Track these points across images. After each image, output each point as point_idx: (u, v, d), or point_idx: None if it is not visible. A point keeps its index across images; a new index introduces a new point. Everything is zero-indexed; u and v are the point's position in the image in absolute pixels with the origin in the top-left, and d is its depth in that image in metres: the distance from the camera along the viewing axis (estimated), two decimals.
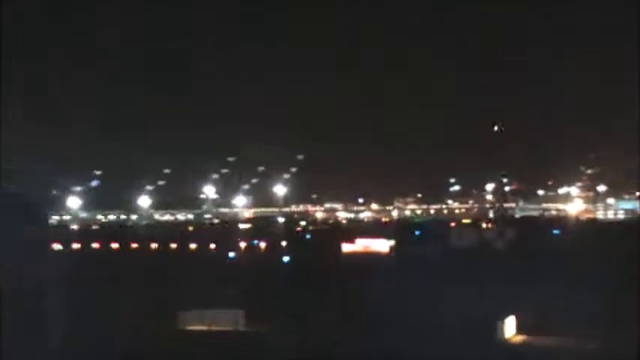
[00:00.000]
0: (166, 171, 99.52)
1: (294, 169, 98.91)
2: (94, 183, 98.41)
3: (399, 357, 32.05)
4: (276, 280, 52.31)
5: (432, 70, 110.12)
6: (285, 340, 33.84)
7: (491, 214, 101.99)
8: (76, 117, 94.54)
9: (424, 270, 49.47)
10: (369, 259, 63.07)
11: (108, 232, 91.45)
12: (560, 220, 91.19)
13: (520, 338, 39.28)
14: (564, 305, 38.95)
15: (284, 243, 72.56)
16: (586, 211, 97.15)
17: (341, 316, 40.12)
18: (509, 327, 39.45)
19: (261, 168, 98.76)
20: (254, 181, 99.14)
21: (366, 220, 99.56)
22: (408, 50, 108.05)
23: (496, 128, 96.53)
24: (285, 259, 66.82)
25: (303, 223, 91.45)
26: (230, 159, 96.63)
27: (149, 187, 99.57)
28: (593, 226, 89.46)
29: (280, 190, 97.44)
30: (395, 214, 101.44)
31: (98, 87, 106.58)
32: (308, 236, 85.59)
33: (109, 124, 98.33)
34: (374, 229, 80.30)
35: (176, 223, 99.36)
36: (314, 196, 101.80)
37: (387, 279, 48.02)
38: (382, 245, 68.05)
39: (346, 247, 65.94)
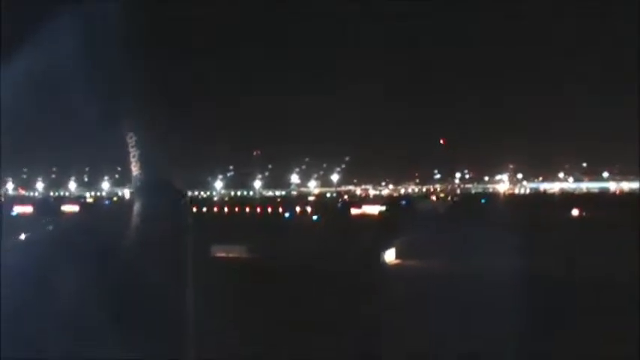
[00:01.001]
0: (269, 166, 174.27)
1: (343, 166, 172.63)
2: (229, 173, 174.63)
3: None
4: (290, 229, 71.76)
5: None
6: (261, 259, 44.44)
7: (458, 191, 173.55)
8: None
9: (383, 224, 72.35)
10: (364, 217, 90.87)
11: (237, 201, 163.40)
12: (491, 194, 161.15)
13: (396, 261, 45.32)
14: (447, 241, 45.48)
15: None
16: (509, 189, 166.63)
17: (298, 240, 52.46)
18: (390, 255, 45.87)
19: (324, 164, 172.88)
20: (321, 172, 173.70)
21: (385, 194, 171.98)
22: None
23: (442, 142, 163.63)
24: (315, 217, 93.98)
25: (345, 197, 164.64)
26: (306, 159, 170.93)
27: (260, 175, 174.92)
28: (507, 197, 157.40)
29: (335, 177, 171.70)
30: (402, 191, 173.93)
31: None
32: (339, 204, 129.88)
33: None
34: (378, 201, 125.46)
35: (274, 197, 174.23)
36: (355, 180, 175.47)
37: (364, 227, 67.59)
38: (374, 209, 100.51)
39: (353, 211, 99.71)
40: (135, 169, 13.70)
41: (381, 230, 60.59)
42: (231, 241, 49.60)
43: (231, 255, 47.59)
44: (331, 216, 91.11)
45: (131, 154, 13.69)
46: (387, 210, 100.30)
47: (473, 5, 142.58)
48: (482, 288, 28.54)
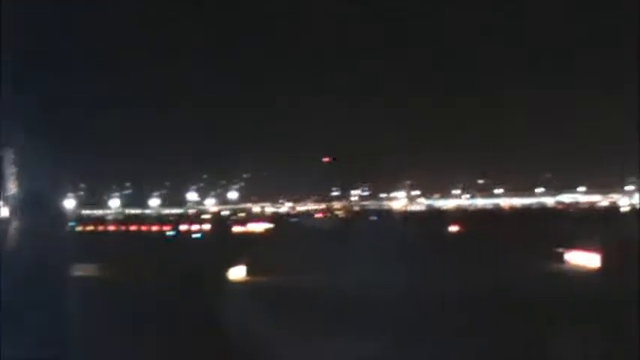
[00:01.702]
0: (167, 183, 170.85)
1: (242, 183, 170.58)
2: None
3: None
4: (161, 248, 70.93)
5: None
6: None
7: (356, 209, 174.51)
8: None
9: (261, 241, 75.16)
10: (247, 235, 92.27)
11: (130, 219, 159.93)
12: (384, 212, 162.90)
13: (243, 278, 44.91)
14: (311, 257, 44.89)
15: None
16: (403, 206, 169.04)
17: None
18: (239, 271, 45.88)
19: (224, 181, 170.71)
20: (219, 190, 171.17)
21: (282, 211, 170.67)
22: None
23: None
24: (196, 236, 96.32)
25: (241, 214, 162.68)
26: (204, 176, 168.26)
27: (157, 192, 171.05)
28: (399, 214, 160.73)
29: (233, 194, 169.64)
30: (300, 208, 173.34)
31: None
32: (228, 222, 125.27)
33: None
34: (269, 218, 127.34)
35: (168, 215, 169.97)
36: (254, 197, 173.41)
37: (238, 244, 66.05)
38: (261, 227, 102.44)
39: (236, 229, 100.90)
40: (11, 188, 12.85)
41: (252, 247, 60.61)
42: (94, 260, 48.15)
43: (84, 273, 45.73)
44: (215, 234, 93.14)
45: (7, 172, 13.19)
46: (274, 227, 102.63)
47: None
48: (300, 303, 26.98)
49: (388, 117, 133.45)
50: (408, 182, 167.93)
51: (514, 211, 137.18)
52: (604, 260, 37.23)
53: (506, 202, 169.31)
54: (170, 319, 27.08)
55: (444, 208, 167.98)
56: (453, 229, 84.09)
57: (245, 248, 56.34)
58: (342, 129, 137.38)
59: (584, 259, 37.84)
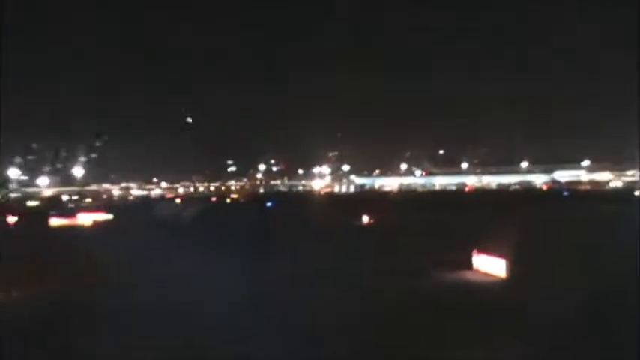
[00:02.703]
0: None
1: (94, 155, 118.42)
2: None
3: None
4: None
5: None
6: None
7: (261, 190, 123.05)
8: None
9: (95, 233, 56.52)
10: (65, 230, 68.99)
11: None
12: (301, 194, 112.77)
13: None
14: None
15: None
16: (327, 186, 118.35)
17: None
18: None
19: (64, 154, 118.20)
20: (59, 165, 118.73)
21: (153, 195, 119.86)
22: None
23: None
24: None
25: (88, 200, 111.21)
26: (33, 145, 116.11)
27: None
28: (319, 197, 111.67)
29: (79, 172, 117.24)
30: (181, 190, 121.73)
31: None
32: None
33: None
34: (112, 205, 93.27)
35: None
36: (112, 176, 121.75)
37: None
38: (91, 218, 77.72)
39: (54, 222, 76.39)
40: None
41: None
42: None
43: None
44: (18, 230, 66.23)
45: None
46: (111, 219, 74.28)
47: None
48: None
49: None
50: (333, 155, 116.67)
51: (481, 194, 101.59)
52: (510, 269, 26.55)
53: (475, 181, 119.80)
54: None
55: (386, 188, 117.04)
56: (364, 220, 57.55)
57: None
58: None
59: (493, 266, 27.64)
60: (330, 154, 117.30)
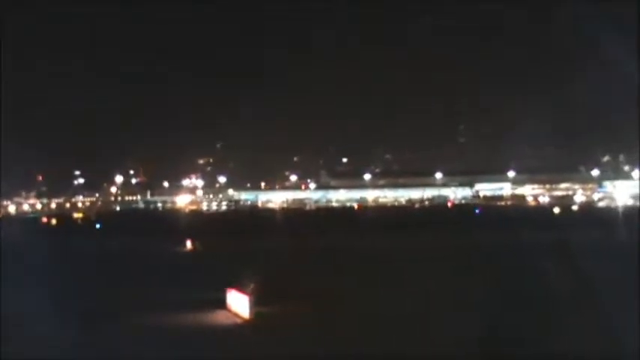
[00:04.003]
0: None
1: None
2: None
3: None
4: None
5: None
6: None
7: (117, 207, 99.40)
8: None
9: None
10: None
11: None
12: (157, 212, 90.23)
13: None
14: None
15: None
16: (192, 202, 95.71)
17: None
18: None
19: None
20: None
21: None
22: None
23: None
24: None
25: None
26: None
27: None
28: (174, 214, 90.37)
29: None
30: (12, 209, 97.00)
31: None
32: None
33: None
34: None
35: None
36: None
37: None
38: None
39: None
40: None
41: None
42: None
43: None
44: None
45: None
46: None
47: None
48: None
49: None
50: (204, 162, 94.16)
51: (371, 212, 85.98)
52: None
53: (379, 196, 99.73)
54: None
55: (271, 205, 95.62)
56: (187, 246, 48.96)
57: None
58: None
59: (240, 305, 24.91)
60: (201, 161, 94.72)
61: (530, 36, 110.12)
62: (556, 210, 73.92)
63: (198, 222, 77.32)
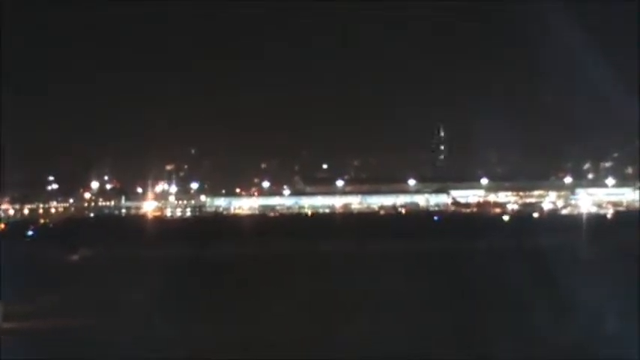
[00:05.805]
0: None
1: None
2: None
3: None
4: None
5: None
6: None
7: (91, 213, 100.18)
8: None
9: None
10: None
11: None
12: (115, 218, 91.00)
13: None
14: None
15: None
16: (157, 209, 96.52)
17: None
18: None
19: None
20: None
21: None
22: None
23: None
24: None
25: None
26: None
27: None
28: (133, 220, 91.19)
29: None
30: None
31: None
32: None
33: None
34: None
35: None
36: None
37: None
38: None
39: None
40: None
41: None
42: None
43: None
44: None
45: None
46: None
47: None
48: None
49: None
50: (171, 168, 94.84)
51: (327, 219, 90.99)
52: None
53: (350, 201, 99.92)
54: None
55: (239, 211, 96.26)
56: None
57: None
58: None
59: None
60: (168, 167, 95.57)
61: (506, 43, 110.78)
62: (505, 218, 74.16)
63: (138, 229, 77.58)
